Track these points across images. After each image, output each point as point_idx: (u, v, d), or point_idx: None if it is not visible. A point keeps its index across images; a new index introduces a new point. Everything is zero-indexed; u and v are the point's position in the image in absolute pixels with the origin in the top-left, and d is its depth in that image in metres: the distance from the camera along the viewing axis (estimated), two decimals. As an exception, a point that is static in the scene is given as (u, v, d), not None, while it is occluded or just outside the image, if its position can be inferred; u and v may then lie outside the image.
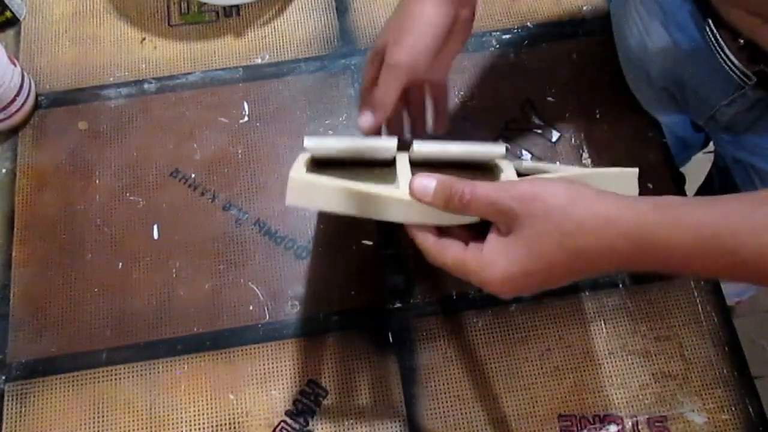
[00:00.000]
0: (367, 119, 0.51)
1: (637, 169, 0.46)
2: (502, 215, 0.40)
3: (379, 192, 0.42)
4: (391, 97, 0.50)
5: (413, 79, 0.50)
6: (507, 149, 0.51)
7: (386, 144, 0.47)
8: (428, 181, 0.41)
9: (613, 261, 0.38)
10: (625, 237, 0.37)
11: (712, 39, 0.53)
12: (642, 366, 0.58)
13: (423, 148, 0.46)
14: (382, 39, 0.51)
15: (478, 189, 0.40)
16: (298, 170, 0.43)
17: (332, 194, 0.42)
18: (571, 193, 0.39)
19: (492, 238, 0.41)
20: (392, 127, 0.58)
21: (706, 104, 0.59)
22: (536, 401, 0.57)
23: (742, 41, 0.51)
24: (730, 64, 0.52)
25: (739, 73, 0.52)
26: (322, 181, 0.42)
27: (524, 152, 0.66)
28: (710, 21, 0.53)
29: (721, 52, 0.53)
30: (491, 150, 0.47)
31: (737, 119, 0.57)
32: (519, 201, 0.39)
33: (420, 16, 0.48)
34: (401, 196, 0.42)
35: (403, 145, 0.48)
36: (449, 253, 0.42)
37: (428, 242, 0.43)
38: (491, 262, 0.40)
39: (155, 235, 0.63)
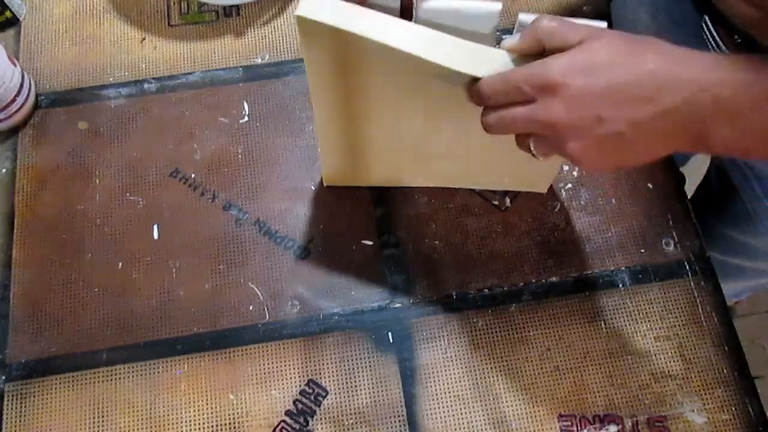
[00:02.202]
0: None
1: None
2: (578, 37, 0.40)
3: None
4: None
5: None
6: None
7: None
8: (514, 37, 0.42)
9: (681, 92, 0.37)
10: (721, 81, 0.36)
11: (708, 36, 0.53)
12: (642, 366, 0.58)
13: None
14: None
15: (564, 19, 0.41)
16: None
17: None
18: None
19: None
20: None
21: None
22: (536, 401, 0.57)
23: (738, 38, 0.51)
24: None
25: None
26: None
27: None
28: (707, 17, 0.53)
29: (717, 49, 0.53)
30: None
31: None
32: (594, 30, 0.40)
33: None
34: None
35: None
36: (516, 70, 0.41)
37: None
38: (559, 55, 0.39)
39: (155, 235, 0.63)
